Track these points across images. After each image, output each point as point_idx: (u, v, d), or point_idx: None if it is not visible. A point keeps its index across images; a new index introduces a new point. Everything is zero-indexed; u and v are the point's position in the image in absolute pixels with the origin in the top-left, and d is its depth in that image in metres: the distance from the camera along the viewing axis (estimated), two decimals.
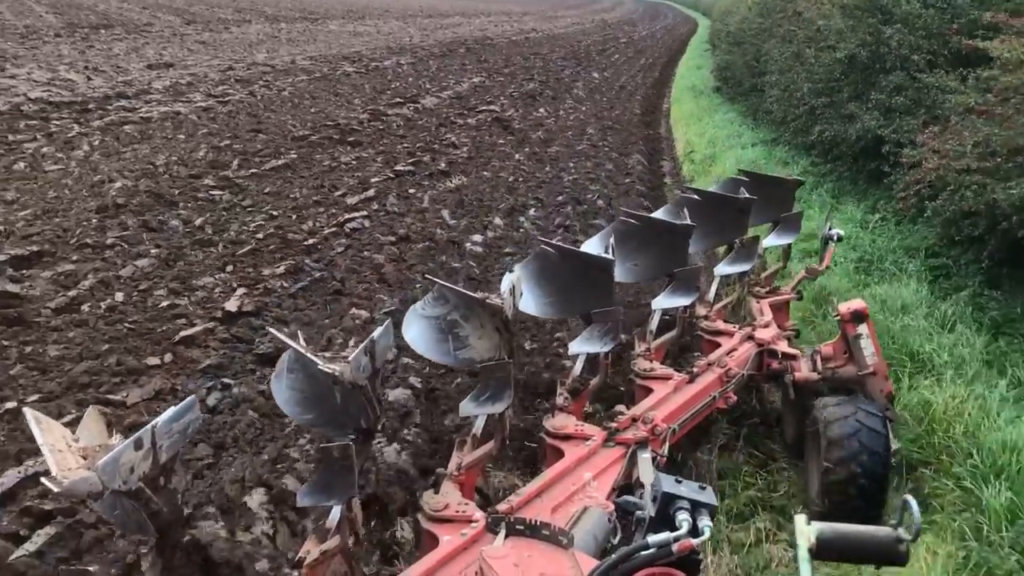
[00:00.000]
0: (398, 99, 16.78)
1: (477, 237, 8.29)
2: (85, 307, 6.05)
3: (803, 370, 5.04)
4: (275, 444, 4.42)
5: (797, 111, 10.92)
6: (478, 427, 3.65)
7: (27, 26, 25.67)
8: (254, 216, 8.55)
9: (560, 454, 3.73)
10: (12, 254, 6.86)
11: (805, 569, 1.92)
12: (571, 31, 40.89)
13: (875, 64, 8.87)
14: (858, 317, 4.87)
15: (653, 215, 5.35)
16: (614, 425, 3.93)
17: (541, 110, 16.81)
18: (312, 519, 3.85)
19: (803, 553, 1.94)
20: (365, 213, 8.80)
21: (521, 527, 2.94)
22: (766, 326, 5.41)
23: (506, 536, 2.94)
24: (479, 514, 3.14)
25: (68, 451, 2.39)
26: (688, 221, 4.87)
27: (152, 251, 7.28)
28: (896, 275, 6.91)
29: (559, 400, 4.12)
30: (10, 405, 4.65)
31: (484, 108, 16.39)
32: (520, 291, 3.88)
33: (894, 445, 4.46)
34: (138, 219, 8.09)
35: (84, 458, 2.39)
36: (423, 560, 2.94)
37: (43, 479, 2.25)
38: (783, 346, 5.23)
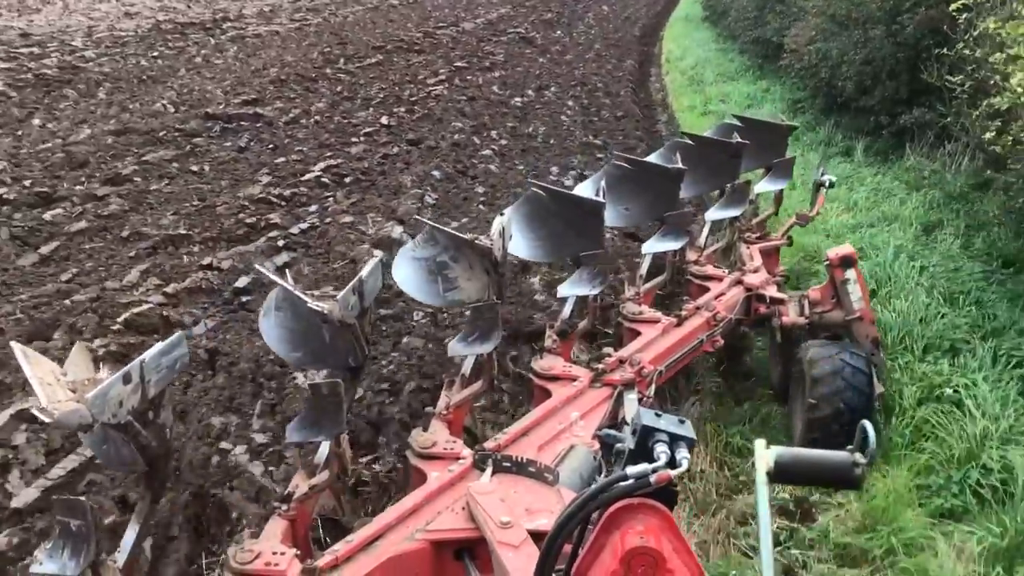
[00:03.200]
0: (442, 24, 21.73)
1: (517, 99, 13.42)
2: (302, 121, 11.23)
3: (791, 315, 5.31)
4: (430, 162, 9.60)
5: (743, 24, 15.96)
6: (467, 367, 3.85)
7: None
8: (370, 88, 13.64)
9: (547, 394, 3.94)
10: (240, 100, 12.01)
11: (762, 492, 2.01)
12: None
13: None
14: (846, 262, 5.12)
15: (645, 159, 5.55)
16: (601, 367, 4.11)
17: (558, 32, 21.78)
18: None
19: (761, 477, 2.03)
20: (442, 87, 13.90)
21: (508, 464, 3.12)
22: (755, 271, 5.62)
23: (493, 473, 3.10)
24: (466, 451, 3.31)
25: (57, 384, 2.50)
26: (680, 165, 5.11)
27: (320, 101, 12.42)
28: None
29: (547, 342, 4.34)
30: (296, 148, 9.85)
31: (512, 31, 21.33)
32: (510, 233, 4.04)
33: (878, 389, 4.77)
34: (300, 87, 13.21)
35: (73, 391, 2.50)
36: (411, 495, 3.12)
37: (33, 410, 2.38)
38: (772, 291, 5.45)
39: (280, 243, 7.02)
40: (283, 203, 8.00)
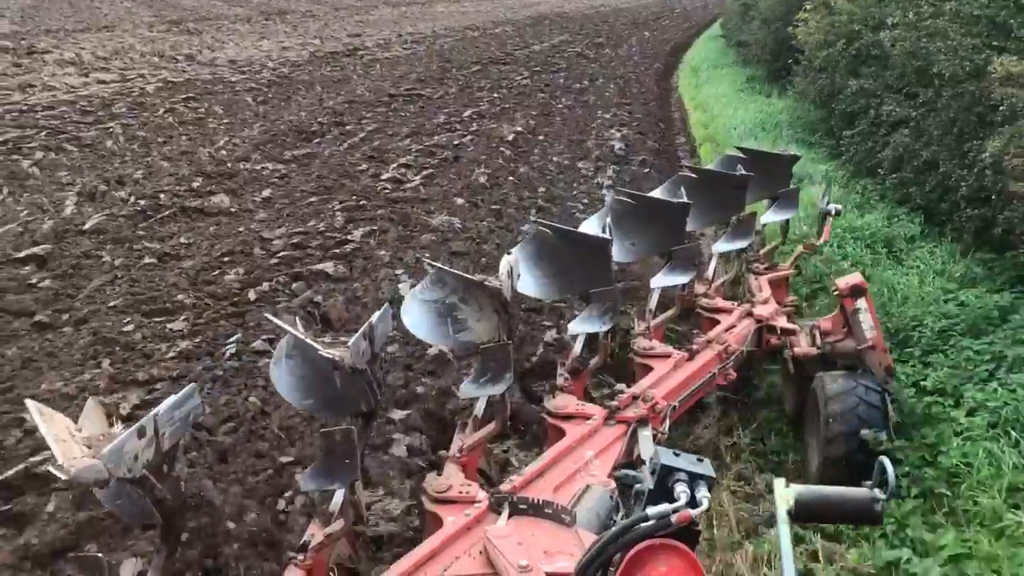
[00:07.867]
0: (517, 47, 30.67)
1: (576, 85, 22.12)
2: (445, 97, 19.93)
3: (802, 345, 5.68)
4: (528, 110, 18.16)
5: (735, 34, 24.52)
6: (479, 409, 4.16)
7: (236, 14, 40.46)
8: (480, 83, 22.34)
9: (561, 434, 4.24)
10: (403, 89, 20.75)
11: (784, 531, 2.15)
12: (634, 5, 54.48)
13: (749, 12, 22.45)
14: (857, 292, 5.43)
15: (650, 194, 5.86)
16: (614, 404, 4.39)
17: (606, 50, 30.61)
18: None
19: (782, 515, 2.19)
20: (526, 81, 22.59)
21: (524, 506, 3.34)
22: (765, 302, 6.02)
23: (509, 515, 3.33)
24: (482, 494, 3.56)
25: (72, 440, 2.66)
26: (685, 199, 5.46)
27: (451, 89, 21.13)
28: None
29: (559, 380, 4.66)
30: (451, 106, 18.53)
31: (571, 50, 30.18)
32: (518, 272, 4.32)
33: (893, 417, 5.16)
34: (434, 83, 22.00)
35: (88, 447, 2.66)
36: (428, 541, 3.34)
37: (49, 467, 2.56)
38: (782, 322, 5.85)
39: (466, 135, 15.57)
40: (458, 123, 16.59)
